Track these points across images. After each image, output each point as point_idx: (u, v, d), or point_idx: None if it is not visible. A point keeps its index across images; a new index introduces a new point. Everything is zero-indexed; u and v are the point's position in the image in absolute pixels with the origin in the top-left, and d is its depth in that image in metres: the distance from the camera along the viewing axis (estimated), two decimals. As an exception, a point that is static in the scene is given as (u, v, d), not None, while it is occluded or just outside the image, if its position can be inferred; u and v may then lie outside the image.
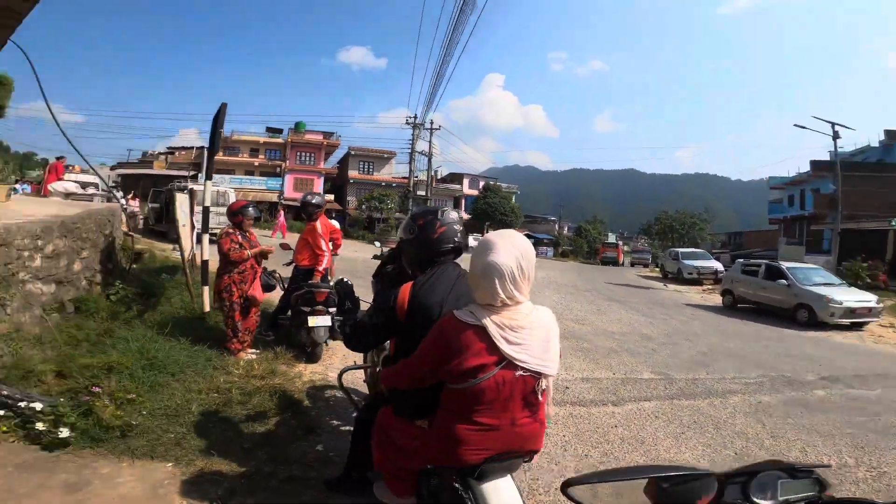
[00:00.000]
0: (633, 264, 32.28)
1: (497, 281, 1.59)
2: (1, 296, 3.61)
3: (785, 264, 11.79)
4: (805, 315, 10.09)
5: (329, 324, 4.82)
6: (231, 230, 4.60)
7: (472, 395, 1.62)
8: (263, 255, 4.76)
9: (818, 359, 6.51)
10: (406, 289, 1.99)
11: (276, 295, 5.50)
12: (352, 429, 3.35)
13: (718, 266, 18.95)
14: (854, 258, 15.59)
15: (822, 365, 6.24)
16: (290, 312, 5.15)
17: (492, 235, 1.69)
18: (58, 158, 14.12)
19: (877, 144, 28.26)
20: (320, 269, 5.20)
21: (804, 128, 19.52)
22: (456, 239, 2.10)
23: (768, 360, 6.49)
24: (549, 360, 1.66)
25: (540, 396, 1.68)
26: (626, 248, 38.83)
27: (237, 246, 4.51)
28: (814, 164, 29.18)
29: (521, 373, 1.62)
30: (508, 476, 1.85)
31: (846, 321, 9.80)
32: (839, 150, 21.30)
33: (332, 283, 5.15)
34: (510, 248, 1.63)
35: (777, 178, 36.87)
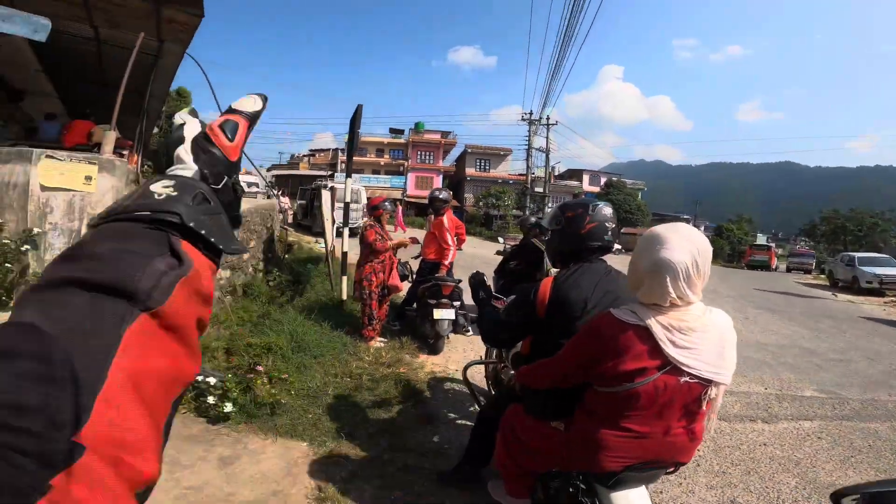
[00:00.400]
0: (789, 269, 26.97)
1: (669, 279, 1.44)
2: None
3: None
4: None
5: (453, 317, 4.97)
6: (373, 223, 4.88)
7: (624, 400, 1.49)
8: (402, 245, 5.01)
9: None
10: (547, 283, 1.90)
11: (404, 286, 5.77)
12: (468, 423, 3.44)
13: (907, 274, 15.32)
14: None
15: None
16: (415, 304, 5.41)
17: (661, 229, 1.53)
18: None
19: None
20: (446, 262, 5.36)
21: None
22: (606, 237, 1.95)
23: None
24: (724, 368, 1.47)
25: (703, 406, 1.51)
26: (779, 251, 33.36)
27: (380, 237, 4.79)
28: None
29: (686, 379, 1.45)
30: (643, 487, 1.71)
31: None
32: None
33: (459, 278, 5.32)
34: (684, 242, 1.46)
35: None
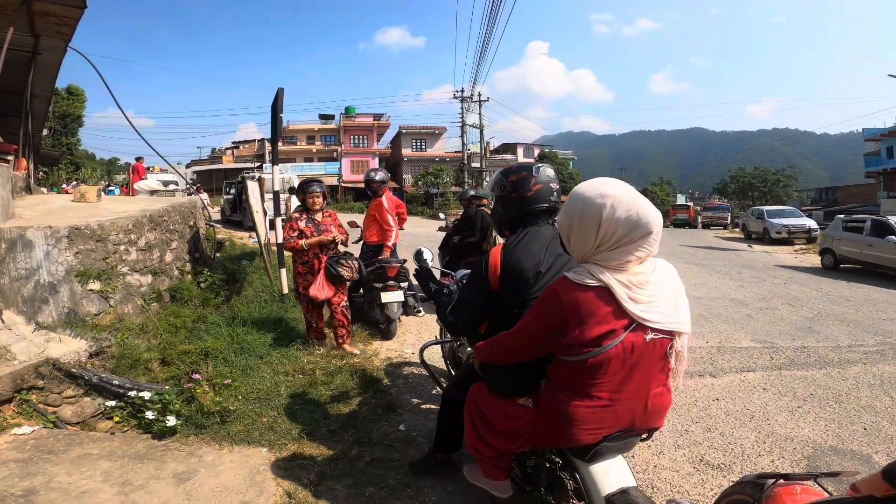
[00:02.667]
0: (707, 225, 28.28)
1: (651, 237, 1.37)
2: (104, 289, 3.88)
3: (894, 219, 10.33)
4: (924, 274, 8.84)
5: (402, 299, 4.82)
6: (297, 214, 4.23)
7: (592, 367, 1.41)
8: (324, 245, 4.15)
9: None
10: (497, 252, 1.81)
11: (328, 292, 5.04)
12: (433, 407, 3.34)
13: (811, 224, 17.08)
14: None
15: (953, 331, 5.40)
16: (361, 290, 5.20)
17: (610, 186, 1.42)
18: (137, 160, 15.30)
19: None
20: (389, 244, 5.20)
21: None
22: (552, 198, 1.88)
23: (886, 325, 5.71)
24: (683, 317, 1.44)
25: (672, 361, 1.47)
26: (697, 208, 36.02)
27: (294, 233, 4.10)
28: None
29: (652, 336, 1.40)
30: (620, 456, 1.67)
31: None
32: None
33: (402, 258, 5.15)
34: (641, 197, 1.40)
35: (872, 130, 34.42)
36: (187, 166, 43.45)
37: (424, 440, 2.85)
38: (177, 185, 15.47)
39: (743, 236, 19.80)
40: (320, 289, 4.03)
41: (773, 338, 5.15)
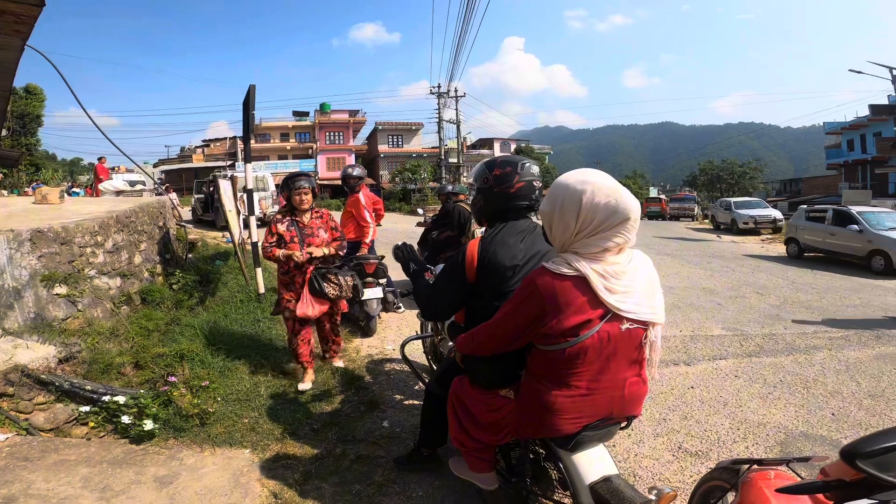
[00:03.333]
0: (676, 217, 28.24)
1: (629, 223, 1.40)
2: (70, 293, 3.74)
3: (855, 208, 10.79)
4: (881, 262, 9.24)
5: (381, 295, 4.79)
6: (280, 216, 3.54)
7: (570, 357, 1.44)
8: (299, 258, 3.36)
9: (904, 308, 5.94)
10: (474, 245, 1.82)
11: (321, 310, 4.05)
12: (416, 402, 3.35)
13: (777, 214, 17.73)
14: None
15: (911, 315, 5.69)
16: None
17: (590, 174, 1.45)
18: (98, 160, 14.71)
19: None
20: (367, 241, 5.18)
21: (859, 72, 19.20)
22: (534, 196, 1.89)
23: (848, 312, 5.99)
24: (657, 307, 1.47)
25: (647, 351, 1.50)
26: (667, 199, 36.91)
27: (273, 239, 3.42)
28: (873, 107, 28.70)
29: (627, 325, 1.43)
30: (601, 445, 1.71)
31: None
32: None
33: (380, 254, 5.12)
34: (619, 186, 1.43)
35: (833, 124, 35.55)
36: (155, 165, 42.11)
37: (409, 436, 2.85)
38: (144, 185, 15.00)
39: (712, 227, 20.40)
40: (307, 305, 3.40)
41: (742, 325, 5.34)
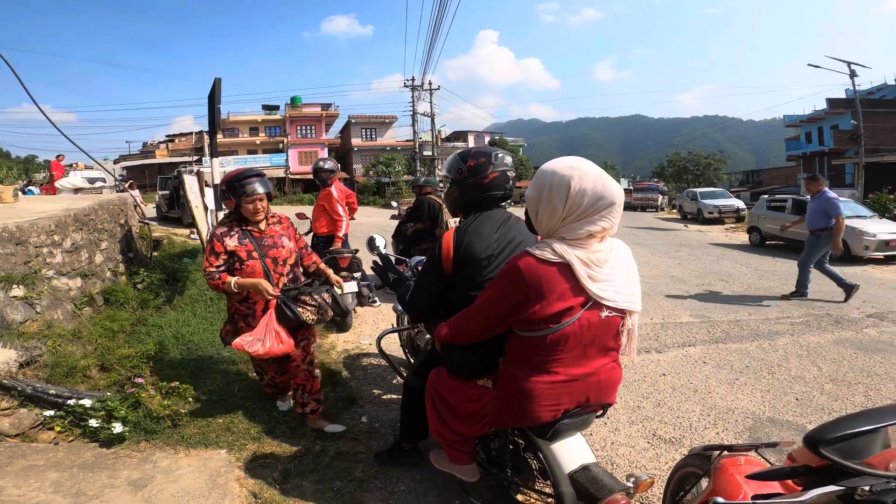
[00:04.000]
0: (643, 208, 27.38)
1: (615, 208, 1.42)
2: (28, 294, 3.55)
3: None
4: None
5: (356, 289, 4.74)
6: (225, 228, 2.61)
7: (551, 344, 1.45)
8: (271, 293, 2.54)
9: (860, 294, 6.24)
10: (449, 236, 1.83)
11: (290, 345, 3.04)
12: (395, 397, 3.33)
13: (740, 204, 18.42)
14: (879, 191, 15.01)
15: (866, 301, 5.98)
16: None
17: (577, 161, 1.48)
18: (56, 157, 14.05)
19: (893, 83, 29.47)
20: (340, 234, 5.12)
21: (818, 67, 19.71)
22: (507, 186, 1.90)
23: (809, 297, 6.27)
24: (635, 296, 1.50)
25: (624, 338, 1.54)
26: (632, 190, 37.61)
27: (219, 264, 2.53)
28: (830, 101, 30.12)
29: (606, 313, 1.45)
30: (579, 434, 1.74)
31: (880, 254, 9.39)
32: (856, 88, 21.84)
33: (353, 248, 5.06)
34: (604, 172, 1.45)
35: (793, 117, 37.03)
36: (115, 162, 40.45)
37: (388, 430, 2.84)
38: (104, 181, 14.35)
39: (680, 217, 21.03)
40: (273, 340, 2.50)
41: (709, 312, 5.52)
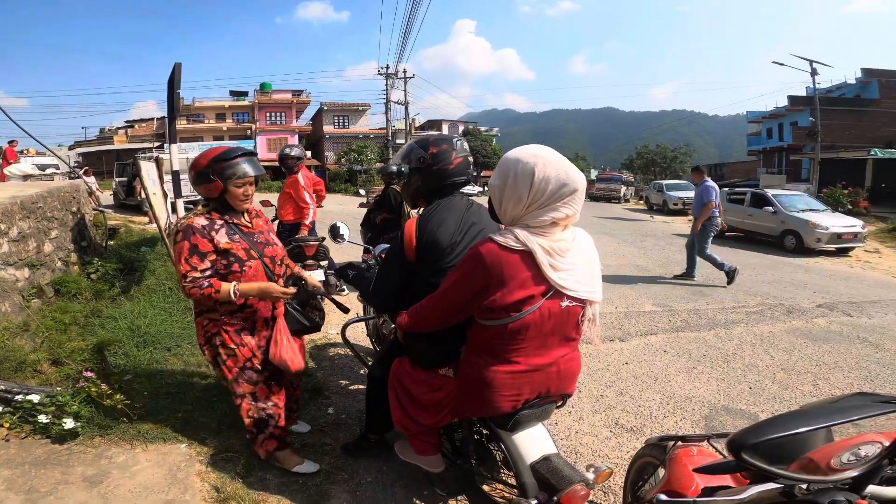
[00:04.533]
0: (607, 199, 27.08)
1: (578, 194, 1.42)
2: (-31, 285, 3.34)
3: (770, 191, 11.78)
4: (792, 241, 10.16)
5: (323, 278, 4.67)
6: (204, 221, 2.07)
7: (511, 333, 1.45)
8: (286, 294, 2.14)
9: (811, 285, 6.58)
10: (412, 224, 1.81)
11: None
12: (361, 387, 3.30)
13: (703, 196, 19.05)
14: (833, 186, 15.80)
15: (817, 292, 6.30)
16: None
17: (540, 149, 1.47)
18: (9, 143, 13.22)
19: (853, 81, 30.02)
20: (307, 222, 5.05)
21: (782, 65, 20.35)
22: (469, 170, 1.93)
23: (763, 287, 6.55)
24: (596, 286, 1.51)
25: (584, 327, 1.54)
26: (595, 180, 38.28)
27: (205, 267, 2.02)
28: (791, 98, 31.07)
29: (567, 303, 1.46)
30: (541, 424, 1.76)
31: (832, 247, 9.87)
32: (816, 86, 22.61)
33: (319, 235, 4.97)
34: (566, 160, 1.45)
35: (755, 113, 38.49)
36: (71, 148, 38.41)
37: (355, 422, 2.82)
38: (57, 168, 13.59)
39: (646, 208, 21.60)
40: (292, 351, 2.22)
41: (671, 301, 5.70)
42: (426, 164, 1.88)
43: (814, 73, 21.22)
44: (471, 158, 1.96)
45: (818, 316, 5.21)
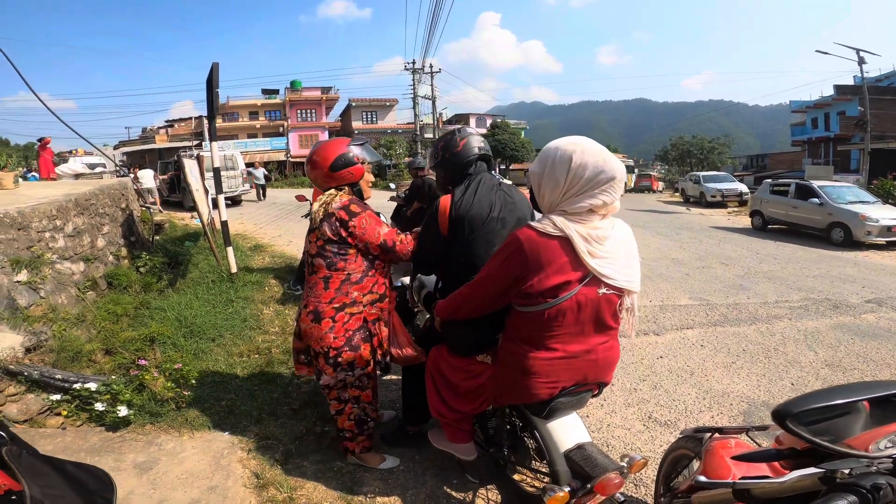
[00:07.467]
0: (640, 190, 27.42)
1: (615, 182, 1.43)
2: (32, 279, 3.59)
3: (816, 182, 11.19)
4: (840, 234, 9.67)
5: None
6: (346, 199, 2.05)
7: (549, 319, 1.47)
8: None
9: (860, 280, 6.24)
10: (446, 200, 1.93)
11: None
12: (396, 378, 3.36)
13: (743, 188, 18.28)
14: (884, 177, 14.88)
15: (866, 287, 5.97)
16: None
17: (575, 139, 1.50)
18: (39, 140, 13.81)
19: None
20: None
21: (827, 53, 19.35)
22: (479, 146, 2.07)
23: (808, 282, 6.26)
24: (634, 276, 1.51)
25: (622, 316, 1.55)
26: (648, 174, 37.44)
27: (394, 231, 2.11)
28: (838, 87, 29.71)
29: (604, 290, 1.46)
30: (574, 413, 1.77)
31: (882, 240, 9.33)
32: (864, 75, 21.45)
33: None
34: (606, 149, 1.48)
35: (799, 102, 36.72)
36: (115, 147, 40.28)
37: (388, 410, 2.88)
38: (105, 167, 14.34)
39: (682, 200, 20.91)
40: (403, 336, 2.25)
41: (708, 295, 5.53)
42: (441, 157, 2.07)
43: (861, 61, 20.14)
44: (478, 138, 2.09)
45: (866, 311, 4.95)
